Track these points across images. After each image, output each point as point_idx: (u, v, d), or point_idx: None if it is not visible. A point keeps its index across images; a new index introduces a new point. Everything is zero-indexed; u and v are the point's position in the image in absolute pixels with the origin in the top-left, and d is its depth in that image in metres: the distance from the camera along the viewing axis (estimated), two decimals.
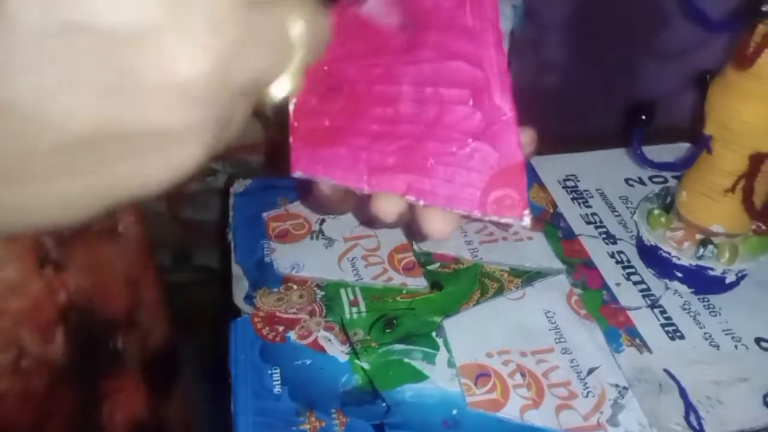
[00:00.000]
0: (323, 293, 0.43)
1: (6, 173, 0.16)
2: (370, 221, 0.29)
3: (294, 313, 0.41)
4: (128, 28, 0.15)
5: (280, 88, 0.19)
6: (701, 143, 0.40)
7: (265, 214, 0.48)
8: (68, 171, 0.16)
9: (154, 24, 0.15)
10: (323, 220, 0.48)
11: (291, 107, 0.25)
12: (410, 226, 0.25)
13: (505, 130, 0.23)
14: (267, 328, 0.40)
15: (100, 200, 0.17)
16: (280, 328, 0.40)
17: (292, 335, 0.40)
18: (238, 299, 0.42)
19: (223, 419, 0.37)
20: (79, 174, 0.17)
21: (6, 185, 0.16)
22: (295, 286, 0.43)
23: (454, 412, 0.36)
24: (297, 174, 0.25)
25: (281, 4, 0.18)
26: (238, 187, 0.51)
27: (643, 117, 0.39)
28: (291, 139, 0.25)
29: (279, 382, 0.37)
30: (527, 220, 0.23)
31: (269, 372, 0.38)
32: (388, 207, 0.24)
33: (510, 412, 0.36)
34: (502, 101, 0.23)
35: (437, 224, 0.24)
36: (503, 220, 0.23)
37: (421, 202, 0.24)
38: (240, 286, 0.43)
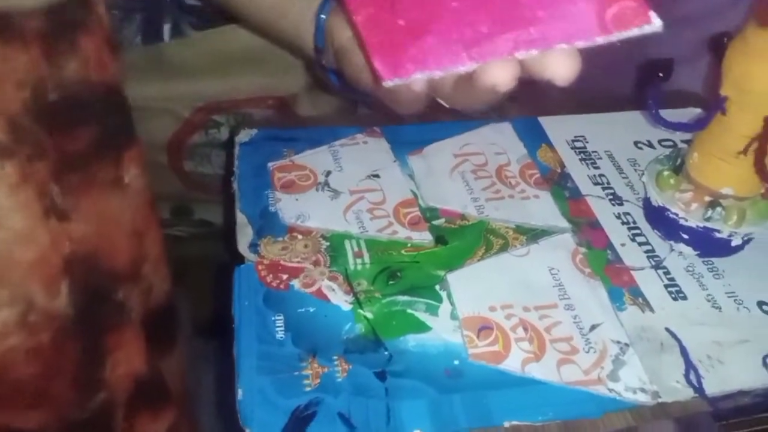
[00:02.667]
0: (328, 244, 0.43)
1: None
2: (480, 99, 0.26)
3: (298, 262, 0.41)
4: None
5: None
6: (716, 104, 0.39)
7: (270, 164, 0.48)
8: None
9: None
10: (329, 172, 0.48)
11: (358, 24, 0.23)
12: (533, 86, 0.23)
13: None
14: (271, 275, 0.40)
15: None
16: (284, 276, 0.40)
17: (296, 283, 0.40)
18: (242, 247, 0.42)
19: (219, 374, 0.37)
20: None
21: None
22: (299, 236, 0.43)
23: (456, 362, 0.36)
24: (389, 83, 0.24)
25: None
26: (244, 136, 0.50)
27: (660, 74, 0.39)
28: (370, 53, 0.23)
29: (282, 328, 0.37)
30: (657, 21, 0.21)
31: (273, 318, 0.38)
32: (502, 73, 0.22)
33: (511, 364, 0.36)
34: None
35: (561, 66, 0.22)
36: (631, 33, 0.21)
37: (534, 51, 0.22)
38: (244, 234, 0.43)
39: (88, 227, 0.30)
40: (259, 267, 0.41)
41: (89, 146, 0.29)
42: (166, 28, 0.59)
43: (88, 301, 0.31)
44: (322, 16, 0.41)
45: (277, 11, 0.44)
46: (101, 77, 0.30)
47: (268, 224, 0.44)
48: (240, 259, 0.42)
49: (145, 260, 0.34)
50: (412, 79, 0.23)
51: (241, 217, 0.44)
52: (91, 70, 0.29)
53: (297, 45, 0.44)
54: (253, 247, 0.42)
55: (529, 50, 0.22)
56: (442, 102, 0.30)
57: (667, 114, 0.43)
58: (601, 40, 0.22)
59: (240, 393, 0.34)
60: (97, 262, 0.31)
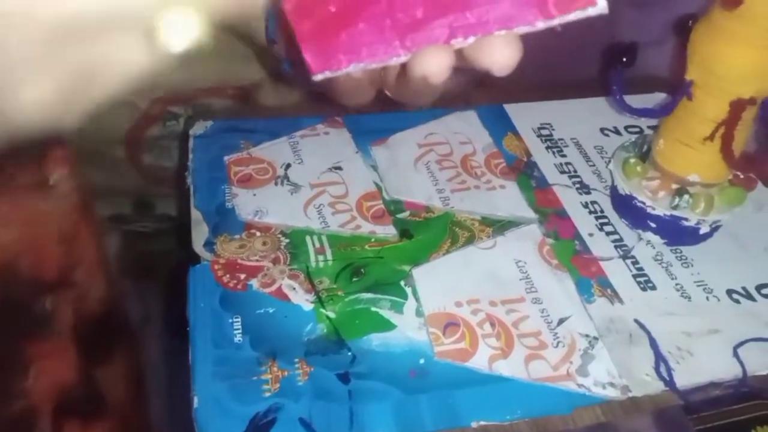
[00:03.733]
0: (288, 241, 0.41)
1: None
2: (415, 91, 0.25)
3: (257, 261, 0.39)
4: None
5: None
6: (682, 89, 0.38)
7: (226, 158, 0.46)
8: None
9: None
10: (288, 165, 0.46)
11: (287, 12, 0.22)
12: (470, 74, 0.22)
13: None
14: (228, 275, 0.38)
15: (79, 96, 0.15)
16: (242, 276, 0.38)
17: (255, 283, 0.38)
18: (197, 245, 0.40)
19: (181, 373, 0.35)
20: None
21: None
22: (258, 233, 0.41)
23: (422, 361, 0.35)
24: (319, 76, 0.22)
25: None
26: (198, 129, 0.48)
27: (624, 60, 0.38)
28: (300, 44, 0.22)
29: (240, 330, 0.36)
30: (603, 2, 0.20)
31: (230, 320, 0.36)
32: (436, 62, 0.20)
33: (478, 362, 0.35)
34: None
35: (501, 53, 0.20)
36: (576, 16, 0.20)
37: (472, 39, 0.21)
38: (199, 232, 0.41)
39: (7, 233, 0.28)
40: (215, 266, 0.39)
41: (3, 148, 0.27)
42: None
43: (6, 311, 0.29)
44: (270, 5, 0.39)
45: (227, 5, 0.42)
46: None
47: (224, 221, 0.42)
48: (195, 259, 0.40)
49: (77, 266, 0.32)
50: (345, 71, 0.22)
51: (196, 214, 0.42)
52: None
53: (247, 35, 0.42)
54: (209, 245, 0.40)
55: (466, 37, 0.21)
56: (388, 93, 0.29)
57: (633, 99, 0.42)
58: (542, 24, 0.20)
59: (196, 401, 0.33)
60: (17, 269, 0.29)
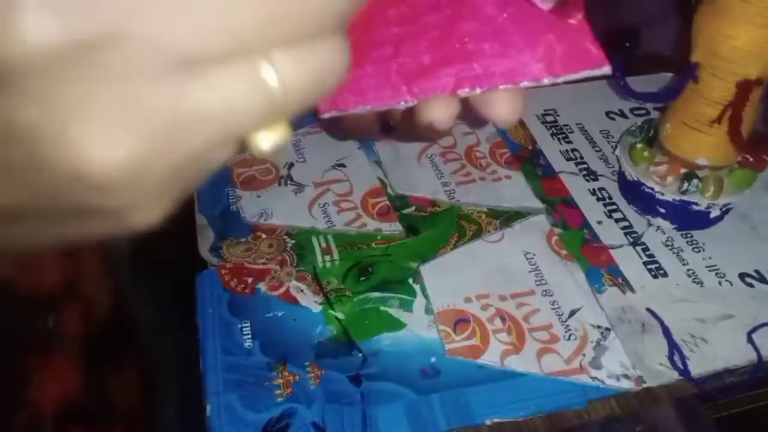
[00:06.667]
0: (294, 242, 0.41)
1: None
2: (421, 134, 0.25)
3: (263, 264, 0.39)
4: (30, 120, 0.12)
5: (266, 141, 0.16)
6: (687, 72, 0.38)
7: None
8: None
9: (58, 116, 0.12)
10: (291, 165, 0.46)
11: None
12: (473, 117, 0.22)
13: None
14: (235, 280, 0.38)
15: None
16: (249, 280, 0.38)
17: (263, 287, 0.38)
18: (204, 251, 0.40)
19: (193, 376, 0.35)
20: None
21: None
22: (263, 235, 0.41)
23: (433, 360, 0.35)
24: (326, 115, 0.22)
25: (235, 62, 0.13)
26: None
27: (627, 44, 0.37)
28: None
29: (249, 336, 0.36)
30: (607, 67, 0.20)
31: (239, 326, 0.36)
32: (441, 111, 0.21)
33: (490, 358, 0.34)
34: None
35: (504, 107, 0.20)
36: (581, 75, 0.20)
37: (478, 90, 0.21)
38: (205, 237, 0.41)
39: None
40: (222, 271, 0.39)
41: None
42: None
43: (10, 328, 0.28)
44: None
45: None
46: None
47: (229, 224, 0.42)
48: (202, 264, 0.40)
49: (82, 277, 0.32)
50: (350, 112, 0.22)
51: (200, 219, 0.42)
52: None
53: None
54: (215, 250, 0.40)
55: (473, 88, 0.20)
56: (392, 124, 0.28)
57: (637, 81, 0.41)
58: (548, 81, 0.20)
59: (208, 409, 0.33)
60: (19, 287, 0.29)
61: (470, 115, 0.22)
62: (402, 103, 0.21)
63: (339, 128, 0.24)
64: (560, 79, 0.20)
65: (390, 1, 0.21)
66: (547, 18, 0.20)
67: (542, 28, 0.20)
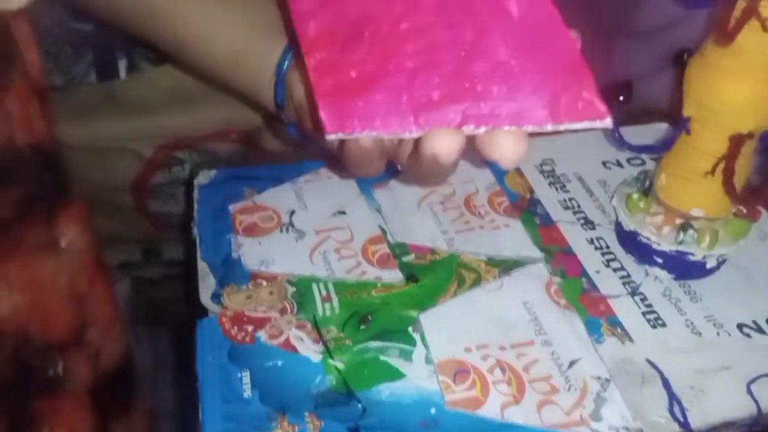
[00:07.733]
0: (294, 289, 0.41)
1: None
2: (425, 169, 0.26)
3: (264, 312, 0.39)
4: None
5: None
6: (680, 124, 0.38)
7: (231, 207, 0.46)
8: None
9: None
10: (293, 212, 0.46)
11: (309, 67, 0.22)
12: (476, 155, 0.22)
13: (554, 26, 0.21)
14: (235, 328, 0.39)
15: None
16: (250, 328, 0.38)
17: (262, 335, 0.38)
18: (205, 298, 0.40)
19: (193, 420, 0.35)
20: None
21: None
22: (264, 283, 0.41)
23: (433, 411, 0.35)
24: (332, 136, 0.23)
25: None
26: (203, 178, 0.49)
27: (621, 98, 0.38)
28: (317, 101, 0.23)
29: (249, 385, 0.36)
30: (609, 120, 0.21)
31: (238, 375, 0.36)
32: (447, 144, 0.21)
33: (490, 410, 0.34)
34: None
35: (508, 148, 0.21)
36: (582, 126, 0.21)
37: (483, 129, 0.21)
38: (206, 284, 0.41)
39: (16, 299, 0.28)
40: (223, 319, 0.39)
41: (13, 210, 0.27)
42: (122, 65, 0.57)
43: (17, 374, 0.28)
44: (284, 68, 0.39)
45: (231, 59, 0.42)
46: (27, 138, 0.28)
47: (230, 272, 0.42)
48: (203, 311, 0.40)
49: (90, 324, 0.32)
50: (356, 136, 0.22)
51: (203, 266, 0.42)
52: (16, 130, 0.27)
53: (253, 96, 0.43)
54: (216, 297, 0.40)
55: (478, 126, 0.21)
56: (400, 168, 0.29)
57: (633, 132, 0.42)
58: (551, 127, 0.21)
59: None
60: (28, 334, 0.29)
61: (473, 155, 0.23)
62: (407, 133, 0.22)
63: (345, 162, 0.25)
64: (562, 127, 0.21)
65: (410, 35, 0.21)
66: (556, 67, 0.21)
67: (550, 76, 0.21)
